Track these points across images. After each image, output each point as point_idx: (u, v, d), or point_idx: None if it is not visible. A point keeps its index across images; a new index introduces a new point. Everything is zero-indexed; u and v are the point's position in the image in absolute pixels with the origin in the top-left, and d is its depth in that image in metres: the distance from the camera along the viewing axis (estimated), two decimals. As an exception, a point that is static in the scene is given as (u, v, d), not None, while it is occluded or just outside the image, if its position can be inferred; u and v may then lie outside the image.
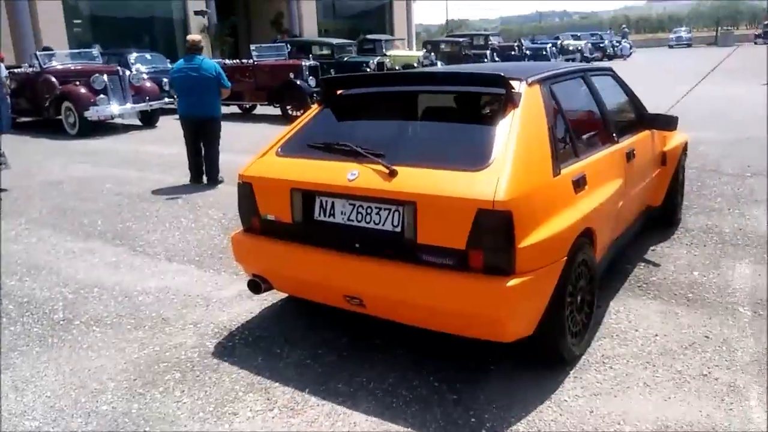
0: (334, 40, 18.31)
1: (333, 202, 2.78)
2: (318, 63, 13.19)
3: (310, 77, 12.57)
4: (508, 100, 2.74)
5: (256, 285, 3.12)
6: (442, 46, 23.76)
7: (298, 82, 12.31)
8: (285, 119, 12.60)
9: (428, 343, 3.08)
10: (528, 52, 26.25)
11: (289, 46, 15.34)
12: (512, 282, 2.38)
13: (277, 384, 2.80)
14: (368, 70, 16.87)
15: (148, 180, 7.28)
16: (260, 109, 14.19)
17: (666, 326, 3.18)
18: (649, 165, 4.05)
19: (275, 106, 13.13)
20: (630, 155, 3.57)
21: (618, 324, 3.23)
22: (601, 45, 33.99)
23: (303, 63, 12.73)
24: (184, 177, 7.22)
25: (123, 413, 2.64)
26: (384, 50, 19.57)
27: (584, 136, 3.23)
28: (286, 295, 3.77)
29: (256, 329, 3.36)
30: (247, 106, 14.36)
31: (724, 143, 8.17)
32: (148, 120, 12.31)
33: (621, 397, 2.58)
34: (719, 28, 49.08)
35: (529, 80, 2.88)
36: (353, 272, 2.74)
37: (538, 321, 2.58)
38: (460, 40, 24.43)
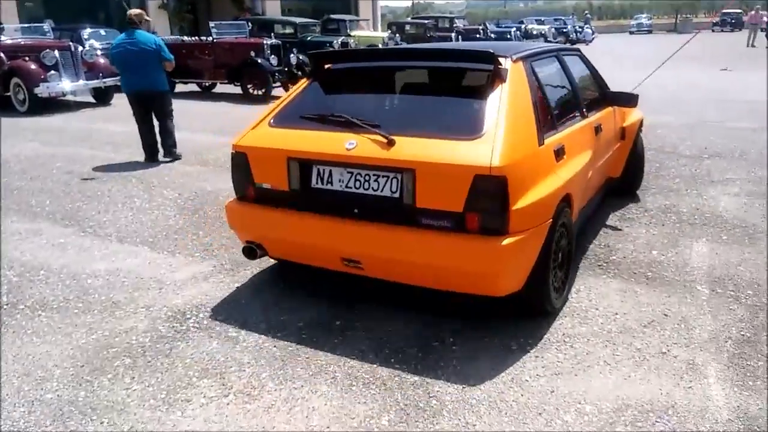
0: (297, 19, 17.94)
1: (330, 171, 2.92)
2: (280, 42, 12.88)
3: (272, 56, 12.27)
4: (495, 76, 2.94)
5: (252, 251, 3.24)
6: (407, 27, 23.57)
7: (260, 61, 12.01)
8: (246, 98, 12.32)
9: (389, 324, 3.02)
10: (493, 35, 26.29)
11: (250, 24, 14.93)
12: (506, 241, 2.61)
13: (232, 369, 2.70)
14: (332, 50, 16.63)
15: (100, 158, 6.99)
16: (220, 88, 13.83)
17: (625, 305, 3.19)
18: (612, 139, 4.29)
19: (236, 85, 12.80)
20: (598, 129, 3.83)
21: (579, 303, 3.22)
22: (564, 30, 34.31)
23: (264, 41, 12.42)
24: (138, 155, 6.97)
25: (69, 401, 2.51)
26: (348, 30, 19.28)
27: (561, 110, 3.44)
28: (242, 277, 3.67)
29: (212, 312, 3.24)
30: (207, 84, 13.97)
31: (681, 126, 8.31)
32: (102, 97, 11.86)
33: (581, 376, 2.57)
34: (678, 16, 50.13)
35: (514, 57, 3.10)
36: (352, 236, 2.90)
37: (527, 277, 2.81)
38: (425, 22, 24.28)
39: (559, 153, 3.07)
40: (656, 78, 15.03)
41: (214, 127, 9.26)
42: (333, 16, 20.18)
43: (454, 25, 25.86)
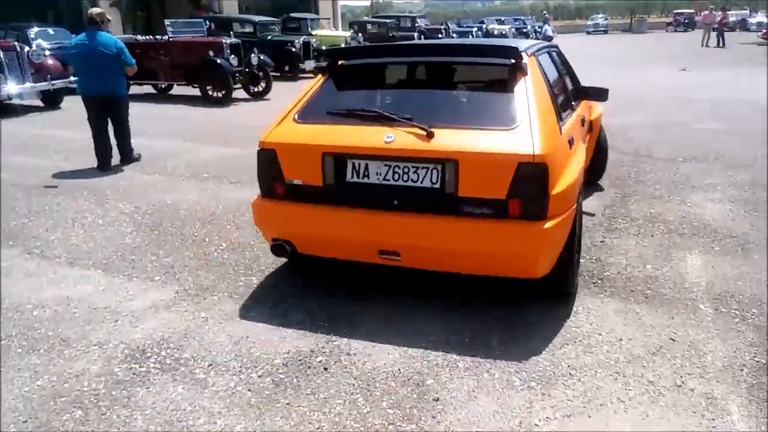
0: (257, 18, 17.43)
1: (367, 164, 2.93)
2: (239, 41, 12.40)
3: (232, 56, 11.78)
4: (518, 69, 3.10)
5: (281, 248, 3.19)
6: (369, 27, 23.28)
7: (219, 61, 11.50)
8: (205, 100, 11.82)
9: (377, 358, 2.73)
10: (455, 35, 26.23)
11: (208, 23, 14.37)
12: (548, 225, 2.74)
13: (201, 421, 2.36)
14: (293, 49, 16.21)
15: (48, 168, 6.47)
16: (177, 89, 13.26)
17: (629, 328, 2.97)
18: (586, 130, 4.38)
19: (194, 87, 12.27)
20: (582, 120, 4.05)
21: (579, 327, 2.99)
22: (524, 30, 34.53)
23: (224, 41, 11.92)
24: (91, 164, 6.49)
25: (7, 467, 2.13)
26: (309, 29, 18.88)
27: (563, 103, 3.61)
28: (208, 303, 3.31)
29: (176, 348, 2.89)
30: (163, 85, 13.39)
31: (651, 127, 8.26)
32: (51, 101, 11.18)
33: (595, 416, 2.32)
34: (633, 16, 51.18)
35: (528, 52, 3.28)
36: (391, 227, 2.94)
37: (557, 259, 2.94)
38: (387, 21, 24.02)
39: (571, 142, 3.22)
40: (620, 78, 15.22)
41: (173, 131, 8.79)
42: (294, 15, 19.75)
43: (416, 24, 25.66)
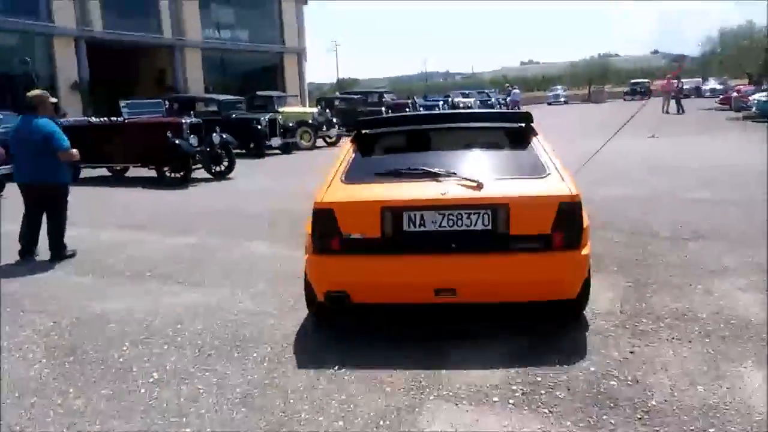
0: (221, 96, 17.02)
1: (422, 215, 3.33)
2: (201, 120, 11.78)
3: (192, 136, 11.13)
4: (530, 130, 3.89)
5: (339, 299, 3.47)
6: (337, 103, 23.09)
7: (178, 142, 10.82)
8: (162, 182, 11.03)
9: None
10: (421, 108, 26.27)
11: (167, 102, 13.79)
12: (584, 251, 3.36)
13: None
14: (259, 127, 15.70)
15: (-38, 272, 5.52)
16: (134, 171, 12.47)
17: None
18: None
19: (150, 168, 11.51)
20: None
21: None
22: (489, 102, 35.12)
23: (184, 120, 11.30)
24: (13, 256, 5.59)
25: None
26: (276, 107, 18.51)
27: None
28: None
29: None
30: (118, 168, 12.59)
31: (640, 200, 7.72)
32: (-7, 188, 10.26)
33: None
34: (591, 87, 53.01)
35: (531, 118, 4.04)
36: (447, 268, 3.35)
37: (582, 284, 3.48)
38: (355, 97, 23.95)
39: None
40: (589, 148, 14.87)
41: (122, 218, 7.93)
42: (260, 93, 19.45)
43: (383, 99, 25.67)
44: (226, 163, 11.94)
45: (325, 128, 18.24)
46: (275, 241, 6.40)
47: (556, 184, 3.42)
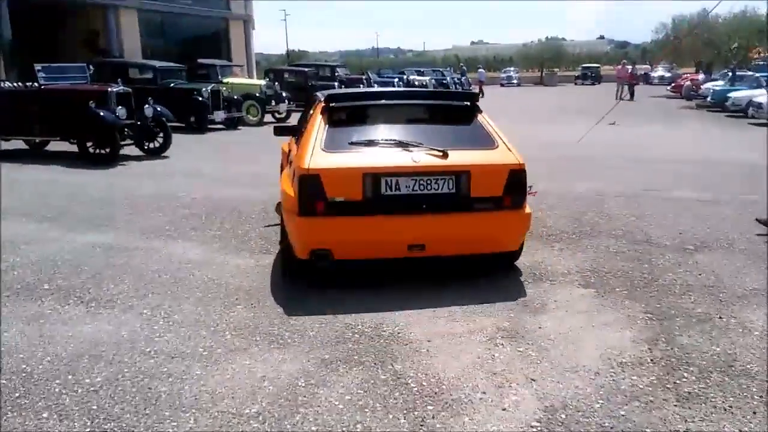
0: (158, 63, 15.45)
1: (398, 180, 3.89)
2: (130, 89, 10.36)
3: (120, 107, 9.74)
4: (475, 108, 4.52)
5: (322, 257, 3.93)
6: (286, 75, 21.66)
7: (102, 113, 9.42)
8: (85, 159, 9.64)
9: None
10: (376, 85, 25.11)
11: (92, 68, 12.18)
12: (527, 210, 4.18)
13: None
14: (200, 99, 14.29)
15: None
16: (55, 146, 10.96)
17: None
18: None
19: (72, 142, 10.06)
20: None
21: None
22: (444, 81, 34.28)
23: (109, 89, 9.87)
24: None
25: None
26: (220, 77, 17.04)
27: None
28: None
29: None
30: (37, 141, 11.05)
31: (625, 198, 7.00)
32: None
33: None
34: (544, 70, 52.93)
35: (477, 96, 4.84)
36: (418, 226, 3.97)
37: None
38: (306, 70, 22.55)
39: None
40: (553, 134, 14.19)
41: (29, 206, 6.64)
42: (202, 61, 17.89)
43: (336, 74, 24.38)
44: (161, 140, 10.60)
45: (273, 103, 16.89)
46: (210, 241, 5.32)
47: (506, 155, 4.10)
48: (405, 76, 31.18)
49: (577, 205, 6.71)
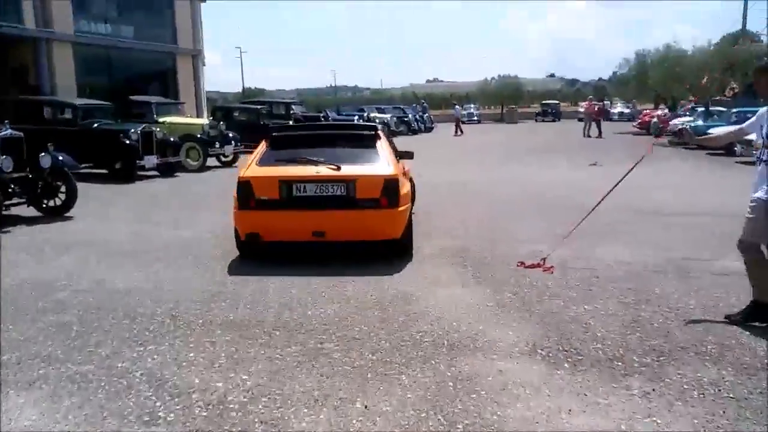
0: (79, 101, 13.30)
1: (305, 185, 5.53)
2: (21, 134, 8.14)
3: (4, 156, 7.55)
4: (376, 136, 6.25)
5: (255, 236, 5.59)
6: (236, 113, 19.73)
7: (-23, 165, 7.22)
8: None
9: None
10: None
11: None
12: (400, 209, 5.61)
13: None
14: (128, 141, 12.14)
15: None
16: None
17: None
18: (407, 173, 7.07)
19: (-60, 203, 7.77)
20: (404, 167, 6.75)
21: None
22: (406, 119, 32.88)
23: (-9, 133, 7.69)
24: None
25: None
26: (155, 116, 14.92)
27: (394, 154, 6.46)
28: None
29: None
30: None
31: (667, 273, 5.21)
32: None
33: None
34: (504, 107, 52.36)
35: (379, 127, 6.71)
36: (320, 218, 5.50)
37: (404, 230, 5.73)
38: (258, 107, 20.64)
39: (404, 173, 6.44)
40: (543, 176, 12.36)
41: None
42: (135, 98, 15.73)
43: (292, 111, 22.54)
44: (63, 196, 8.41)
45: (218, 144, 14.79)
46: (61, 393, 3.20)
47: (384, 168, 5.75)
48: (365, 114, 29.62)
49: (616, 288, 4.88)
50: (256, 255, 5.85)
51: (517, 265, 5.64)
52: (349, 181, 5.49)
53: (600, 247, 6.35)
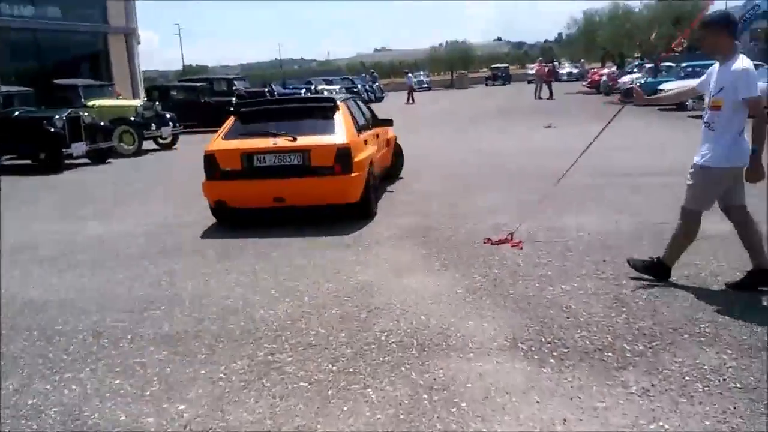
0: (-4, 87, 12.08)
1: (264, 156, 5.97)
2: None
3: None
4: (335, 107, 6.44)
5: (221, 204, 6.15)
6: (174, 92, 18.63)
7: None
8: None
9: None
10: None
11: None
12: (353, 175, 5.95)
13: None
14: (52, 129, 11.14)
15: None
16: None
17: None
18: (383, 143, 7.81)
19: None
20: (377, 135, 7.45)
21: None
22: (356, 90, 32.02)
23: None
24: None
25: None
26: (83, 99, 13.81)
27: (362, 124, 7.05)
28: None
29: None
30: None
31: (652, 237, 4.87)
32: None
33: None
34: (454, 72, 51.92)
35: (340, 100, 6.73)
36: (279, 185, 5.94)
37: (361, 194, 6.09)
38: (197, 85, 19.54)
39: (366, 142, 6.66)
40: (498, 142, 12.03)
41: None
42: (59, 82, 14.52)
43: (234, 87, 21.49)
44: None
45: (154, 126, 13.82)
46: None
47: (338, 138, 6.04)
48: (312, 86, 28.68)
49: (591, 262, 4.50)
50: (218, 227, 6.34)
51: (484, 242, 5.23)
52: (305, 151, 5.92)
53: (568, 216, 6.00)
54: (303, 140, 5.94)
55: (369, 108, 8.10)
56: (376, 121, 7.78)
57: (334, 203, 6.05)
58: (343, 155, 5.87)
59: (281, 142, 5.94)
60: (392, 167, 8.50)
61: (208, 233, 6.15)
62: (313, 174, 5.87)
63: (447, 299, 3.98)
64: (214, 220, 6.45)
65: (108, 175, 11.08)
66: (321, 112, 6.47)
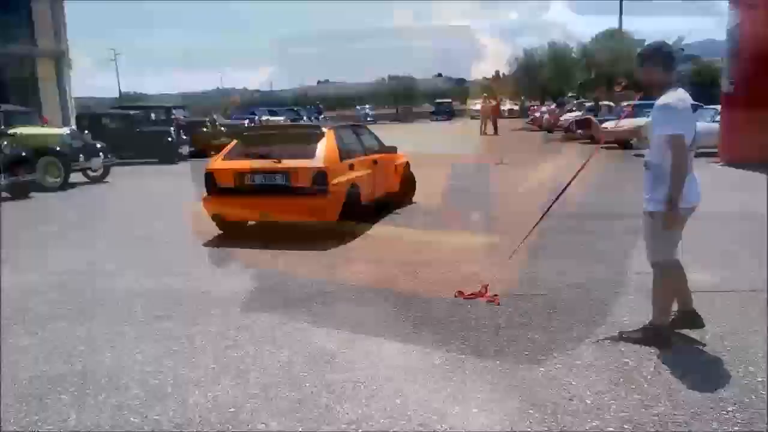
0: None
1: (254, 176, 6.71)
2: None
3: None
4: (321, 134, 7.04)
5: (219, 217, 6.96)
6: (107, 120, 17.48)
7: None
8: None
9: None
10: (223, 128, 21.47)
11: None
12: (329, 197, 6.54)
13: None
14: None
15: None
16: None
17: None
18: (387, 168, 8.50)
19: None
20: (375, 161, 8.08)
21: None
22: (301, 121, 31.47)
23: None
24: None
25: None
26: (3, 126, 12.55)
27: (351, 150, 7.58)
28: None
29: None
30: None
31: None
32: None
33: None
34: (398, 106, 52.13)
35: (328, 127, 7.34)
36: (266, 202, 6.58)
37: (339, 213, 6.67)
38: (132, 113, 18.44)
39: (351, 167, 7.22)
40: (456, 184, 11.55)
41: None
42: (-27, 108, 13.18)
43: (173, 116, 20.46)
44: None
45: (82, 157, 12.66)
46: None
47: (317, 162, 6.61)
48: (256, 117, 27.88)
49: (581, 323, 3.97)
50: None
51: (455, 296, 4.64)
52: (287, 172, 6.57)
53: (541, 264, 5.52)
54: (287, 162, 6.63)
55: (375, 137, 8.77)
56: (381, 148, 8.57)
57: (314, 220, 6.71)
58: (319, 178, 6.48)
59: (269, 163, 6.66)
60: (400, 192, 8.90)
61: (136, 281, 5.30)
62: (294, 193, 6.51)
63: (424, 374, 3.34)
64: (144, 266, 5.60)
65: (27, 212, 9.86)
66: (308, 138, 7.13)
